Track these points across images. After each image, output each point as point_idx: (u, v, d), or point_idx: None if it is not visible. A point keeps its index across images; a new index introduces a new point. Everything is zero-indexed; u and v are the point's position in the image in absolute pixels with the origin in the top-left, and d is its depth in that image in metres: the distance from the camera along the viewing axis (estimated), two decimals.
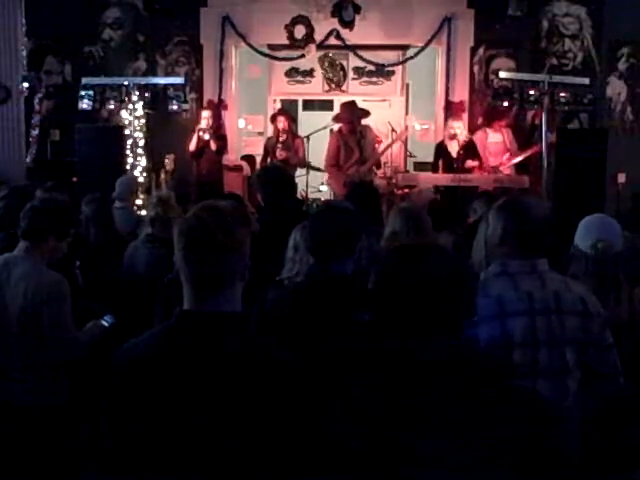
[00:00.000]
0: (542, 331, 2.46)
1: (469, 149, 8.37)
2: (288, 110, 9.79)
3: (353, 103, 8.54)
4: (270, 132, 9.33)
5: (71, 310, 3.22)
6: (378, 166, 8.72)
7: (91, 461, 1.90)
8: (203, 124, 8.80)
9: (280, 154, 8.62)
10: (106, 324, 3.46)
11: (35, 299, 3.12)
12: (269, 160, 8.79)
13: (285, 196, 4.62)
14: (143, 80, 9.37)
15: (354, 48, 9.71)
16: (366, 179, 7.92)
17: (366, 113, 8.48)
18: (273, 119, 9.04)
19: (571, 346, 2.49)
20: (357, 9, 9.28)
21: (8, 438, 3.19)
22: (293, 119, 9.24)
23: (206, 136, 8.74)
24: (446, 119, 9.35)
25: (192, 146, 8.80)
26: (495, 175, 8.30)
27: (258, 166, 9.46)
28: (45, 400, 3.20)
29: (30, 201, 3.45)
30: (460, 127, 8.56)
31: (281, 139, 8.74)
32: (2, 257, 3.31)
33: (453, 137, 8.41)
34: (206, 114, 8.92)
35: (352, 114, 8.32)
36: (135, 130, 9.07)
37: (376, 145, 8.68)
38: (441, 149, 8.55)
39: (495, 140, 8.75)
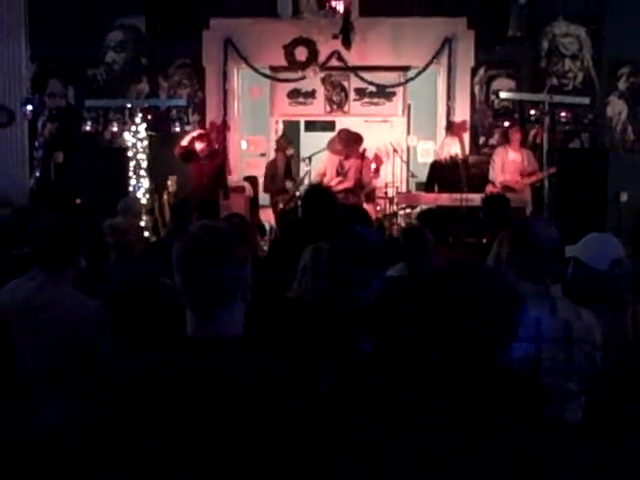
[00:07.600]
0: (547, 359, 2.40)
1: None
2: (289, 135, 9.96)
3: (344, 142, 8.67)
4: (272, 153, 9.40)
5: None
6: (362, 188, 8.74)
7: None
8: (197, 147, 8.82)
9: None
10: None
11: (74, 329, 3.00)
12: (270, 182, 8.91)
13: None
14: (146, 102, 9.44)
15: (355, 69, 9.78)
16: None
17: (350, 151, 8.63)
18: (278, 149, 9.17)
19: (577, 376, 2.44)
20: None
21: (38, 466, 3.08)
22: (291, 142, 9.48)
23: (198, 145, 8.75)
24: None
25: (184, 142, 8.80)
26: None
27: (260, 187, 9.53)
28: (78, 423, 3.08)
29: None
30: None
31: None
32: (31, 285, 3.12)
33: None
34: (200, 146, 8.86)
35: (340, 152, 8.59)
36: (138, 152, 9.12)
37: (368, 171, 8.80)
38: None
39: (514, 159, 8.81)
